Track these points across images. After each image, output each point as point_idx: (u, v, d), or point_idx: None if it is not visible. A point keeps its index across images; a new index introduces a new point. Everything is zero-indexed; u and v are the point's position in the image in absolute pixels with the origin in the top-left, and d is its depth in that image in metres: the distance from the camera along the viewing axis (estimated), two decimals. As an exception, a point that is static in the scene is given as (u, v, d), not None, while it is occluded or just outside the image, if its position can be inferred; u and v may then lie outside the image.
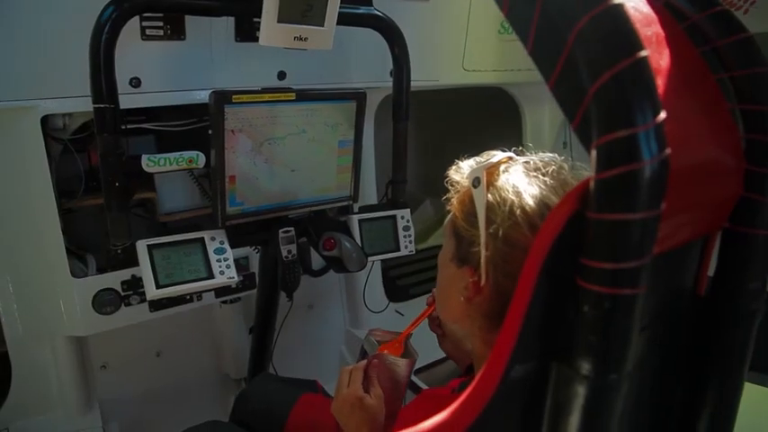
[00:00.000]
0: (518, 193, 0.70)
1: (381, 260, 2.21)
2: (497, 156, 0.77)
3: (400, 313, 2.41)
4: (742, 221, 0.67)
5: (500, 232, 0.70)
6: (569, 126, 2.55)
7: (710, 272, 0.72)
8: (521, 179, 0.72)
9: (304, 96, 1.47)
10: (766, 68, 0.65)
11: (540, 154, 0.79)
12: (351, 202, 1.71)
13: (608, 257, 0.47)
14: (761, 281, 0.69)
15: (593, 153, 0.46)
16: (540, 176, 0.73)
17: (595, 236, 0.48)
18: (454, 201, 0.81)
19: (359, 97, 1.56)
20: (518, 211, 0.69)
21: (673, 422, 0.76)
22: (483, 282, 0.73)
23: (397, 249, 1.76)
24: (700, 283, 0.72)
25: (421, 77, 1.83)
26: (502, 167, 0.75)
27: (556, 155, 0.79)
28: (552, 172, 0.74)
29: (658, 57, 0.58)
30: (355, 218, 1.69)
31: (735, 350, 0.72)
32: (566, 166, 0.76)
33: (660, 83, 0.56)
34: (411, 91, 1.74)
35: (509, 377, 0.54)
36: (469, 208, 0.76)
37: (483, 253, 0.72)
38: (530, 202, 0.70)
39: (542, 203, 0.70)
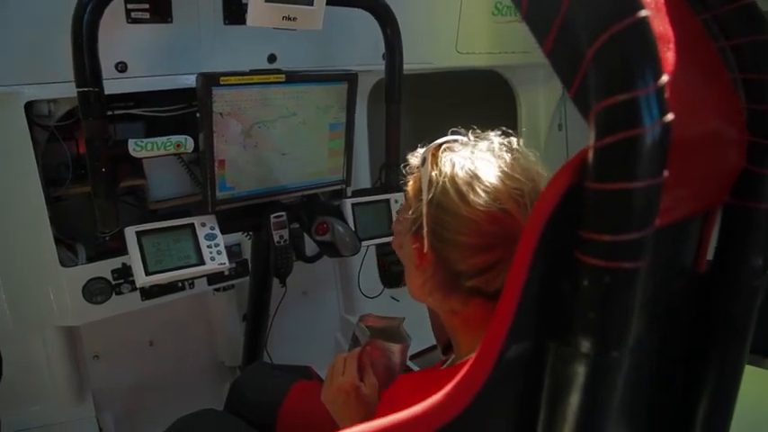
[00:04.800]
0: (452, 165, 0.80)
1: (376, 246, 2.20)
2: (445, 138, 0.87)
3: (395, 299, 2.40)
4: (744, 195, 0.65)
5: (434, 199, 0.79)
6: (564, 107, 2.54)
7: (712, 248, 0.70)
8: (457, 155, 0.82)
9: (294, 78, 1.44)
10: (769, 36, 0.63)
11: (481, 134, 0.87)
12: (344, 186, 1.69)
13: (608, 229, 0.45)
14: (763, 257, 0.68)
15: (592, 120, 0.44)
16: (471, 149, 0.82)
17: (594, 207, 0.46)
18: (410, 183, 0.89)
19: (350, 79, 1.53)
20: (448, 180, 0.79)
21: (673, 401, 0.74)
22: (425, 248, 0.81)
23: (392, 234, 1.73)
24: (700, 259, 0.70)
25: (414, 60, 1.80)
26: (444, 147, 0.84)
27: (492, 133, 0.87)
28: (483, 145, 0.83)
29: (658, 24, 0.56)
30: (348, 202, 1.67)
31: (736, 328, 0.70)
32: (496, 141, 0.84)
33: (665, 51, 0.54)
34: (405, 74, 1.71)
35: (505, 357, 0.51)
36: (419, 185, 0.84)
37: (424, 220, 0.80)
38: (459, 172, 0.79)
39: (469, 171, 0.78)
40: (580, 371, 0.49)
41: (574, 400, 0.50)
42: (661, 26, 0.55)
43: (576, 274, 0.48)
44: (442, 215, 0.79)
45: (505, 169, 0.79)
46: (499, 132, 0.86)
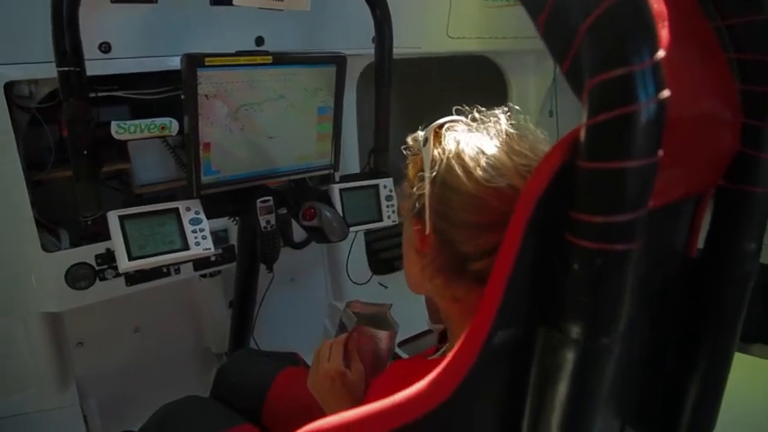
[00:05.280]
0: (457, 142, 0.76)
1: (365, 232, 2.18)
2: (447, 118, 0.82)
3: (384, 286, 2.39)
4: (737, 179, 0.64)
5: (438, 177, 0.75)
6: (555, 94, 2.53)
7: (704, 232, 0.69)
8: (462, 132, 0.78)
9: (281, 60, 1.41)
10: (766, 15, 0.61)
11: (486, 111, 0.83)
12: (332, 171, 1.66)
13: (600, 210, 0.43)
14: (755, 241, 0.66)
15: (585, 97, 0.42)
16: (480, 127, 0.78)
17: (587, 187, 0.44)
18: (409, 164, 0.85)
19: (339, 61, 1.50)
20: (454, 157, 0.74)
21: (664, 386, 0.74)
22: (428, 230, 0.76)
23: (380, 219, 1.72)
24: (691, 244, 0.69)
25: (404, 44, 1.77)
26: (447, 125, 0.80)
27: (498, 109, 0.83)
28: (491, 123, 0.79)
29: (653, 2, 0.54)
30: (336, 187, 1.65)
31: (727, 313, 0.69)
32: (502, 117, 0.80)
33: (660, 29, 0.52)
34: (395, 58, 1.69)
35: (492, 343, 0.50)
36: (420, 166, 0.80)
37: (426, 199, 0.76)
38: (465, 148, 0.74)
39: (476, 148, 0.74)
40: (569, 357, 0.48)
41: (562, 387, 0.49)
42: (656, 4, 0.54)
43: (566, 257, 0.46)
44: (446, 193, 0.74)
45: (513, 145, 0.75)
46: (505, 109, 0.82)
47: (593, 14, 0.40)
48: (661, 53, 0.41)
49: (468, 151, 0.74)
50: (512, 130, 0.77)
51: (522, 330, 0.51)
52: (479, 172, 0.72)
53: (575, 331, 0.47)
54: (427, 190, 0.76)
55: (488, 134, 0.76)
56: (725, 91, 0.61)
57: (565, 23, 0.43)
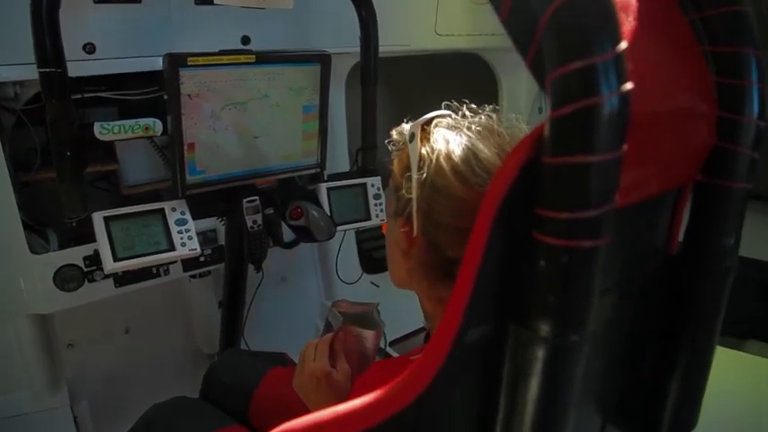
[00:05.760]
0: (446, 142, 0.73)
1: (356, 231, 2.17)
2: (435, 113, 0.79)
3: (375, 285, 2.38)
4: (714, 173, 0.63)
5: (427, 179, 0.72)
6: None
7: (683, 228, 0.69)
8: (451, 130, 0.75)
9: (265, 59, 1.40)
10: (741, 7, 0.60)
11: (475, 108, 0.80)
12: (319, 170, 1.66)
13: (565, 206, 0.43)
14: (733, 236, 0.66)
15: (548, 90, 0.42)
16: (467, 125, 0.75)
17: (551, 183, 0.43)
18: (395, 160, 0.82)
19: (323, 60, 1.50)
20: (443, 158, 0.71)
21: (645, 384, 0.73)
22: (415, 232, 0.74)
23: (368, 218, 1.71)
24: (672, 240, 0.69)
25: (391, 42, 1.77)
26: (435, 121, 0.77)
27: (488, 107, 0.80)
28: (480, 120, 0.76)
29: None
30: (323, 186, 1.64)
31: (707, 309, 0.68)
32: (493, 115, 0.78)
33: (628, 22, 0.51)
34: (383, 56, 1.68)
35: (463, 340, 0.49)
36: (406, 163, 0.77)
37: (414, 201, 0.73)
38: (456, 149, 0.72)
39: (467, 149, 0.71)
40: (539, 355, 0.47)
41: (533, 384, 0.48)
42: (627, -4, 0.53)
43: (533, 254, 0.46)
44: (434, 196, 0.71)
45: (505, 147, 0.72)
46: (490, 109, 0.80)
47: (553, 5, 0.40)
48: (623, 45, 0.40)
49: (459, 153, 0.71)
50: (503, 130, 0.75)
51: (493, 328, 0.51)
52: (471, 176, 0.69)
53: (543, 329, 0.46)
54: (415, 192, 0.73)
55: (480, 134, 0.73)
56: (700, 84, 0.60)
57: (526, 16, 0.42)
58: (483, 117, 0.77)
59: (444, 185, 0.71)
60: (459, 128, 0.75)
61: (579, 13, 0.39)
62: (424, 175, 0.72)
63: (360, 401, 0.54)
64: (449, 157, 0.71)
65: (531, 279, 0.46)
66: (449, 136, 0.73)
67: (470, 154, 0.71)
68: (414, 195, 0.73)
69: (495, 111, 0.79)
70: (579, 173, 0.41)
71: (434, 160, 0.72)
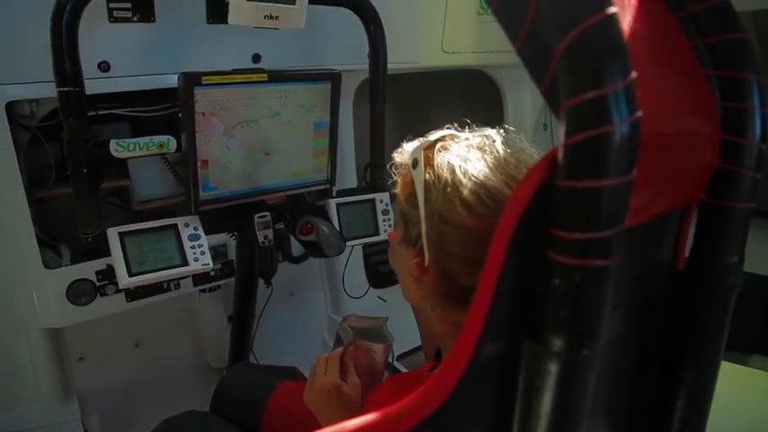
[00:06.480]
0: (452, 171, 0.71)
1: (362, 246, 2.19)
2: (436, 134, 0.78)
3: (382, 299, 2.39)
4: (718, 193, 0.65)
5: (435, 209, 0.71)
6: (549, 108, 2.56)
7: (689, 246, 0.70)
8: (456, 157, 0.73)
9: (277, 77, 1.43)
10: (743, 34, 0.63)
11: (478, 130, 0.79)
12: (329, 186, 1.68)
13: (578, 227, 0.45)
14: (738, 255, 0.68)
15: (562, 117, 0.44)
16: (473, 152, 0.73)
17: (564, 205, 0.46)
18: (399, 184, 0.81)
19: (334, 78, 1.53)
20: (450, 189, 0.70)
21: (650, 399, 0.75)
22: (427, 262, 0.74)
23: (377, 233, 1.73)
24: (677, 257, 0.71)
25: (399, 59, 1.80)
26: (438, 146, 0.75)
27: (491, 130, 0.79)
28: (486, 147, 0.74)
29: (632, 21, 0.56)
30: (333, 202, 1.66)
31: (712, 326, 0.70)
32: (498, 139, 0.75)
33: (634, 48, 0.54)
34: (390, 73, 1.71)
35: (479, 356, 0.51)
36: (411, 189, 0.76)
37: (423, 232, 0.73)
38: (463, 179, 0.70)
39: (475, 180, 0.70)
40: (552, 369, 0.49)
41: (547, 398, 0.50)
42: (633, 23, 0.56)
43: (547, 273, 0.48)
44: (444, 227, 0.71)
45: (513, 174, 0.71)
46: (501, 130, 0.78)
47: (568, 37, 0.42)
48: (633, 75, 0.43)
49: (467, 182, 0.70)
50: (509, 156, 0.73)
51: (507, 343, 0.53)
52: (480, 208, 0.69)
53: (556, 344, 0.48)
54: (424, 223, 0.72)
55: (486, 161, 0.72)
56: (704, 108, 0.62)
57: (541, 47, 0.45)
58: (487, 140, 0.76)
59: (453, 217, 0.70)
60: (464, 155, 0.73)
61: (592, 45, 0.42)
62: (432, 206, 0.72)
63: (376, 416, 0.56)
64: (456, 187, 0.70)
65: (545, 296, 0.48)
66: (454, 162, 0.72)
67: (479, 184, 0.70)
68: (423, 228, 0.73)
69: (500, 133, 0.77)
70: (591, 196, 0.44)
71: (441, 191, 0.71)
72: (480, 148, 0.74)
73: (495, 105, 2.69)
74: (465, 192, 0.69)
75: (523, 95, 2.66)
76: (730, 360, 0.73)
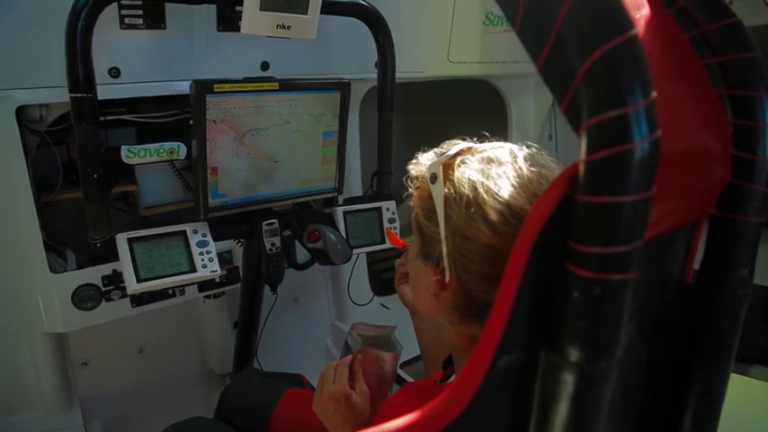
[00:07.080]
0: (474, 188, 0.69)
1: (367, 254, 2.20)
2: (455, 147, 0.75)
3: (386, 307, 2.40)
4: (729, 208, 0.66)
5: (457, 228, 0.70)
6: (554, 117, 2.57)
7: (698, 259, 0.72)
8: (477, 173, 0.71)
9: (288, 86, 1.45)
10: (754, 53, 0.64)
11: (496, 143, 0.77)
12: (336, 194, 1.69)
13: (598, 242, 0.46)
14: (748, 268, 0.69)
15: (583, 134, 0.45)
16: (495, 168, 0.71)
17: (585, 219, 0.47)
18: (415, 197, 0.80)
19: (343, 87, 1.54)
20: (473, 206, 0.69)
21: (659, 410, 0.76)
22: (447, 279, 0.73)
23: (383, 242, 1.74)
24: (687, 270, 0.72)
25: (406, 69, 1.81)
26: (458, 160, 0.73)
27: (512, 145, 0.77)
28: (508, 163, 0.72)
29: (647, 40, 0.57)
30: (340, 210, 1.68)
31: (722, 338, 0.71)
32: (520, 155, 0.74)
33: (650, 67, 0.55)
34: (397, 82, 1.72)
35: (497, 366, 0.52)
36: (429, 204, 0.75)
37: (444, 249, 0.71)
38: (486, 197, 0.68)
39: (500, 199, 0.68)
40: (569, 380, 0.50)
41: (563, 408, 0.51)
42: (650, 43, 0.57)
43: (566, 285, 0.49)
44: (466, 245, 0.69)
45: (536, 192, 0.69)
46: (519, 146, 0.76)
47: (591, 58, 0.43)
48: (654, 95, 0.44)
49: (490, 201, 0.68)
50: (532, 174, 0.71)
51: (524, 353, 0.54)
52: (504, 227, 0.67)
53: (574, 355, 0.49)
54: (445, 242, 0.71)
55: (508, 177, 0.70)
56: (716, 125, 0.64)
57: (563, 66, 0.46)
58: (508, 155, 0.74)
59: (476, 236, 0.68)
60: (485, 171, 0.71)
61: (614, 65, 0.43)
62: (453, 222, 0.70)
63: (394, 425, 0.56)
64: (480, 206, 0.68)
65: (563, 307, 0.49)
66: (475, 179, 0.70)
67: (503, 204, 0.68)
68: (444, 247, 0.71)
69: (521, 148, 0.76)
70: (612, 211, 0.45)
71: (464, 209, 0.69)
72: (501, 164, 0.72)
73: (499, 115, 2.70)
74: (490, 211, 0.68)
75: (528, 106, 2.68)
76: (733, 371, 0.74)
